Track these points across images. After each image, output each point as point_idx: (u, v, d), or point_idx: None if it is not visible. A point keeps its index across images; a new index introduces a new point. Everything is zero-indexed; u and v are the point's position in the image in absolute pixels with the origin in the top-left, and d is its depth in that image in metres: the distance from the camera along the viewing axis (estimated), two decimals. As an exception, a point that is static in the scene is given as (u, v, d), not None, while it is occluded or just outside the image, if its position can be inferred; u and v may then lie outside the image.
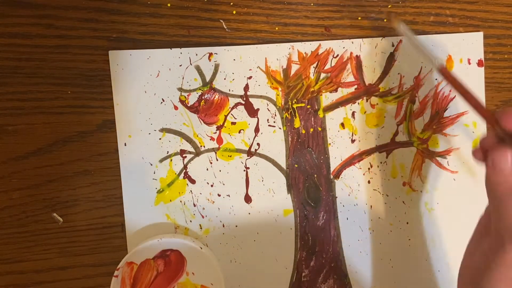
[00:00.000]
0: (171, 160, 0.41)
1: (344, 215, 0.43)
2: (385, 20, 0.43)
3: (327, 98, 0.42)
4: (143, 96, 0.41)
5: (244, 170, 0.42)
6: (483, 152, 0.31)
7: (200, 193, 0.42)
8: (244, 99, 0.42)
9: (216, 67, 0.41)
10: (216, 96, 0.41)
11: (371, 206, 0.44)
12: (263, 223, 0.43)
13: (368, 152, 0.43)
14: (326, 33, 0.42)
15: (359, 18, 0.42)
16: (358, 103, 0.43)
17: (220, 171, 0.42)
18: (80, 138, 0.41)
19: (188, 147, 0.42)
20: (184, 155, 0.42)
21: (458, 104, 0.44)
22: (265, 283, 0.43)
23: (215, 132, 0.42)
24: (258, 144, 0.42)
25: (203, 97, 0.41)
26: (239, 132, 0.42)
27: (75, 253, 0.41)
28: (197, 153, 0.42)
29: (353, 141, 0.43)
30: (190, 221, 0.42)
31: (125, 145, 0.41)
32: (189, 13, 0.41)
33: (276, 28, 0.42)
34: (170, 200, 0.42)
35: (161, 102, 0.41)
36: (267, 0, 0.41)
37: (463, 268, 0.34)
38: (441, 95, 0.43)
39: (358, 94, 0.43)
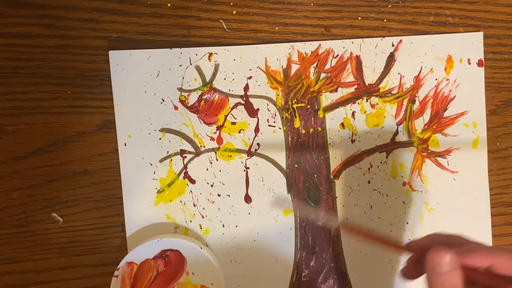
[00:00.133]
0: (171, 160, 0.41)
1: (344, 215, 0.43)
2: (385, 20, 0.43)
3: (327, 98, 0.42)
4: (143, 96, 0.41)
5: (244, 170, 0.42)
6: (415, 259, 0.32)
7: (200, 193, 0.42)
8: (244, 99, 0.42)
9: (216, 67, 0.41)
10: (216, 96, 0.41)
11: (371, 206, 0.44)
12: (263, 223, 0.43)
13: (368, 152, 0.43)
14: (326, 33, 0.42)
15: (359, 18, 0.42)
16: (358, 103, 0.43)
17: (220, 171, 0.42)
18: (80, 138, 0.41)
19: (188, 147, 0.42)
20: (184, 155, 0.42)
21: (458, 104, 0.44)
22: (265, 283, 0.43)
23: (215, 132, 0.42)
24: (258, 144, 0.42)
25: (203, 97, 0.41)
26: (239, 132, 0.42)
27: (75, 253, 0.41)
28: (197, 153, 0.42)
29: (353, 141, 0.43)
30: (190, 221, 0.42)
31: (125, 145, 0.41)
32: (189, 13, 0.41)
33: (276, 28, 0.42)
34: (170, 200, 0.42)
35: (161, 102, 0.41)
36: (267, 0, 0.41)
37: None
38: (441, 95, 0.43)
39: (358, 94, 0.43)
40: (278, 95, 0.42)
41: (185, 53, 0.41)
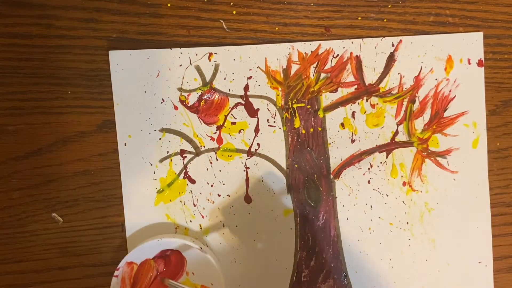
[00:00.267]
0: (171, 160, 0.41)
1: (344, 215, 0.43)
2: (385, 20, 0.43)
3: (327, 98, 0.42)
4: (143, 96, 0.41)
5: (244, 170, 0.42)
6: None
7: (200, 193, 0.42)
8: (244, 99, 0.42)
9: (216, 67, 0.41)
10: (216, 96, 0.41)
11: (371, 206, 0.44)
12: (263, 223, 0.43)
13: (368, 152, 0.43)
14: (326, 33, 0.42)
15: (359, 18, 0.42)
16: (358, 103, 0.43)
17: (220, 171, 0.42)
18: (80, 138, 0.41)
19: (188, 147, 0.42)
20: (184, 155, 0.42)
21: (458, 104, 0.44)
22: (265, 283, 0.43)
23: (215, 132, 0.42)
24: (258, 144, 0.42)
25: (203, 97, 0.41)
26: (239, 132, 0.42)
27: (75, 253, 0.41)
28: (197, 153, 0.42)
29: (353, 141, 0.43)
30: (190, 221, 0.42)
31: (125, 145, 0.41)
32: (189, 13, 0.41)
33: (276, 28, 0.42)
34: (170, 200, 0.42)
35: (161, 102, 0.41)
36: (267, 0, 0.41)
37: None
38: (441, 95, 0.43)
39: (358, 94, 0.43)
40: (278, 95, 0.42)
41: (185, 53, 0.41)
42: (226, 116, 0.42)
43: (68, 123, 0.41)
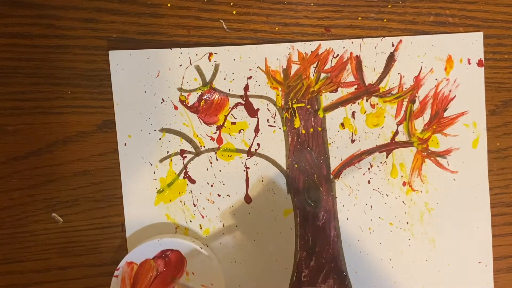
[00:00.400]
0: (171, 160, 0.41)
1: (344, 215, 0.43)
2: (385, 20, 0.43)
3: (327, 98, 0.42)
4: (143, 96, 0.41)
5: (244, 170, 0.42)
6: None
7: (200, 193, 0.42)
8: (244, 99, 0.42)
9: (216, 67, 0.41)
10: (216, 96, 0.41)
11: (371, 206, 0.44)
12: (263, 223, 0.43)
13: (368, 152, 0.43)
14: (326, 33, 0.42)
15: (359, 18, 0.42)
16: (358, 103, 0.43)
17: (220, 171, 0.42)
18: (80, 138, 0.41)
19: (188, 147, 0.42)
20: (184, 155, 0.42)
21: (458, 104, 0.44)
22: (265, 283, 0.43)
23: (215, 132, 0.42)
24: (258, 144, 0.42)
25: (203, 97, 0.41)
26: (239, 132, 0.42)
27: (75, 253, 0.41)
28: (197, 153, 0.42)
29: (353, 141, 0.43)
30: (190, 221, 0.42)
31: (125, 145, 0.41)
32: (189, 13, 0.41)
33: (276, 28, 0.42)
34: (170, 200, 0.42)
35: (161, 102, 0.41)
36: (267, 0, 0.41)
37: None
38: (441, 95, 0.43)
39: (358, 94, 0.43)
40: (278, 95, 0.42)
41: (185, 53, 0.41)
42: (226, 116, 0.42)
43: (68, 123, 0.41)
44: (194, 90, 0.41)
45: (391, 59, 0.43)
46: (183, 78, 0.41)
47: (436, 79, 0.43)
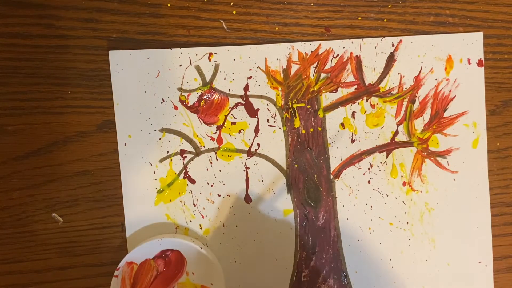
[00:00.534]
0: (171, 160, 0.41)
1: (344, 215, 0.43)
2: (385, 20, 0.43)
3: (327, 98, 0.42)
4: (143, 96, 0.41)
5: (244, 170, 0.42)
6: None
7: (200, 193, 0.42)
8: (244, 99, 0.42)
9: (216, 67, 0.41)
10: (216, 96, 0.41)
11: (371, 206, 0.44)
12: (263, 223, 0.43)
13: (368, 152, 0.43)
14: (326, 33, 0.42)
15: (359, 18, 0.42)
16: (358, 103, 0.43)
17: (220, 171, 0.42)
18: (80, 138, 0.41)
19: (188, 147, 0.42)
20: (184, 155, 0.42)
21: (458, 104, 0.44)
22: (265, 283, 0.43)
23: (215, 132, 0.42)
24: (258, 144, 0.42)
25: (203, 97, 0.41)
26: (239, 132, 0.42)
27: (75, 253, 0.41)
28: (197, 153, 0.42)
29: (353, 141, 0.43)
30: (190, 221, 0.42)
31: (125, 145, 0.41)
32: (189, 13, 0.41)
33: (276, 28, 0.42)
34: (170, 200, 0.42)
35: (161, 102, 0.41)
36: (267, 0, 0.41)
37: None
38: (441, 95, 0.43)
39: (358, 94, 0.43)
40: (278, 95, 0.42)
41: (185, 53, 0.41)
42: (226, 116, 0.42)
43: (68, 123, 0.41)
44: (194, 90, 0.41)
45: (391, 59, 0.43)
46: (183, 78, 0.41)
47: (436, 79, 0.43)
